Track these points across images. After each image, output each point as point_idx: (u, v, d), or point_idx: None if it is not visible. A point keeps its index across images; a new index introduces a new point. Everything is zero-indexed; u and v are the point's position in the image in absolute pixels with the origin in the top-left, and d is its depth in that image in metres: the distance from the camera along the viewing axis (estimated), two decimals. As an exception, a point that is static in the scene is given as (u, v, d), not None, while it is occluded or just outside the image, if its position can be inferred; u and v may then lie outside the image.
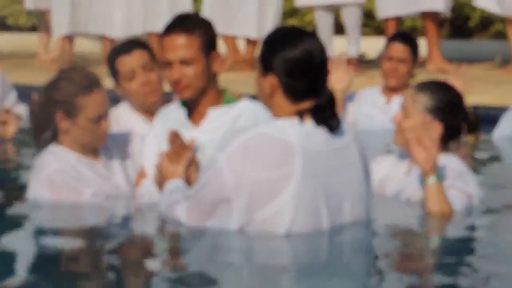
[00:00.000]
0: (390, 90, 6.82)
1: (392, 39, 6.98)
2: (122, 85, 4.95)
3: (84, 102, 4.34)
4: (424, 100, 4.36)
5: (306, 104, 3.75)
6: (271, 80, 3.76)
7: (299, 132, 3.72)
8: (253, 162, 3.69)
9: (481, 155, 5.95)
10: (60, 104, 4.36)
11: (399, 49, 6.75)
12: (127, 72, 4.90)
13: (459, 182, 4.25)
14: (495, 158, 6.11)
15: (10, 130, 6.30)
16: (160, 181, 4.19)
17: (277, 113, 3.81)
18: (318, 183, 3.75)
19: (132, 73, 4.89)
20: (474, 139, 6.03)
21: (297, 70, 3.74)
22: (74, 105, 4.34)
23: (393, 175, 4.45)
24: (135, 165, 4.55)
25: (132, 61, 4.91)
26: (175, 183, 4.10)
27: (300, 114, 3.75)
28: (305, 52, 3.74)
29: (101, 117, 4.38)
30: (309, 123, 3.75)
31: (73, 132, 4.40)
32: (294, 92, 3.75)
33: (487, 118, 6.56)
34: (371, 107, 6.83)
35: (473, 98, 6.22)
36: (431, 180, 4.09)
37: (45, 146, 4.49)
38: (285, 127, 3.73)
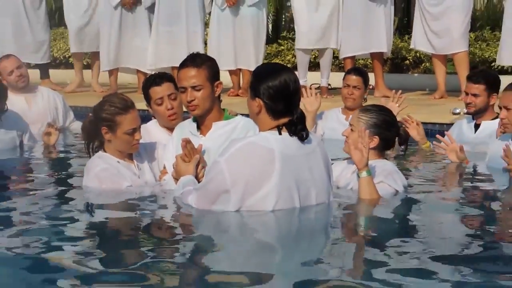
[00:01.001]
0: (348, 109, 6.72)
1: (349, 71, 6.93)
2: (153, 107, 4.92)
3: (121, 120, 4.34)
4: (365, 119, 4.35)
5: (283, 120, 3.76)
6: (258, 102, 3.76)
7: (278, 141, 3.74)
8: (245, 163, 3.70)
9: (411, 159, 5.92)
10: (104, 121, 4.36)
11: (354, 79, 6.66)
12: (157, 99, 4.86)
13: (389, 179, 4.25)
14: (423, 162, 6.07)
15: (53, 139, 6.29)
16: (176, 176, 4.20)
17: (262, 127, 3.82)
18: (292, 178, 3.77)
19: (161, 99, 4.85)
20: (428, 146, 6.04)
21: (276, 95, 3.73)
22: (114, 121, 4.34)
23: (344, 174, 4.41)
24: (159, 167, 4.55)
25: (161, 90, 4.85)
26: (187, 178, 4.11)
27: (279, 128, 3.76)
28: (283, 82, 3.73)
29: (135, 131, 4.38)
30: (285, 134, 3.76)
31: (114, 142, 4.40)
32: (274, 112, 3.76)
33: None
34: (334, 123, 6.69)
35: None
36: (363, 174, 4.08)
37: (94, 152, 4.49)
38: (268, 137, 3.75)
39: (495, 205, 4.50)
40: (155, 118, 5.05)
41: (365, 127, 4.21)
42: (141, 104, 4.93)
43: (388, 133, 4.38)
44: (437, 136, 5.57)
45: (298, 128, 3.76)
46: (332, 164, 4.17)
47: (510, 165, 4.78)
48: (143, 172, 4.48)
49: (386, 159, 4.51)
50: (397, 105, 6.24)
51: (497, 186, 5.02)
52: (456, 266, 3.14)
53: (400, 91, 6.46)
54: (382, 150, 4.42)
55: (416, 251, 3.32)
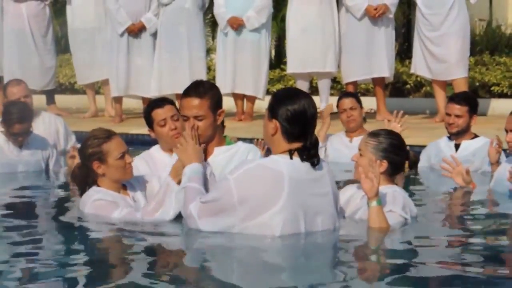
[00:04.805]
0: (350, 132, 6.84)
1: (340, 98, 7.00)
2: (156, 130, 4.81)
3: (108, 147, 4.29)
4: (373, 143, 4.22)
5: (297, 145, 3.72)
6: (274, 124, 3.73)
7: (288, 165, 3.69)
8: (254, 184, 3.66)
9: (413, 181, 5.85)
10: (93, 155, 4.30)
11: (347, 101, 6.79)
12: (160, 120, 4.77)
13: (397, 207, 4.09)
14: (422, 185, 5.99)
15: (77, 162, 6.15)
16: (183, 165, 4.05)
17: (275, 149, 3.77)
18: (299, 203, 3.71)
19: (164, 121, 4.76)
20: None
21: (293, 119, 3.69)
22: (102, 151, 4.28)
23: (354, 198, 4.28)
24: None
25: (164, 112, 4.77)
26: (193, 168, 3.98)
27: (291, 152, 3.71)
28: (301, 107, 3.70)
29: (124, 154, 4.31)
30: (296, 159, 3.72)
31: (108, 173, 4.32)
32: (289, 135, 3.72)
33: (419, 154, 6.51)
34: (339, 145, 6.84)
35: (410, 140, 6.13)
36: (373, 204, 3.96)
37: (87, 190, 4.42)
38: (278, 160, 3.71)
39: (503, 233, 4.36)
40: (157, 143, 4.94)
41: (374, 154, 4.14)
42: (146, 129, 4.86)
43: (397, 157, 4.25)
44: (443, 158, 5.43)
45: (311, 153, 3.72)
46: (342, 188, 4.10)
47: None
48: (138, 204, 4.41)
49: (396, 184, 4.38)
50: (399, 125, 6.21)
51: (505, 210, 4.87)
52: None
53: (401, 112, 6.42)
54: (391, 174, 4.28)
55: (422, 278, 3.26)
